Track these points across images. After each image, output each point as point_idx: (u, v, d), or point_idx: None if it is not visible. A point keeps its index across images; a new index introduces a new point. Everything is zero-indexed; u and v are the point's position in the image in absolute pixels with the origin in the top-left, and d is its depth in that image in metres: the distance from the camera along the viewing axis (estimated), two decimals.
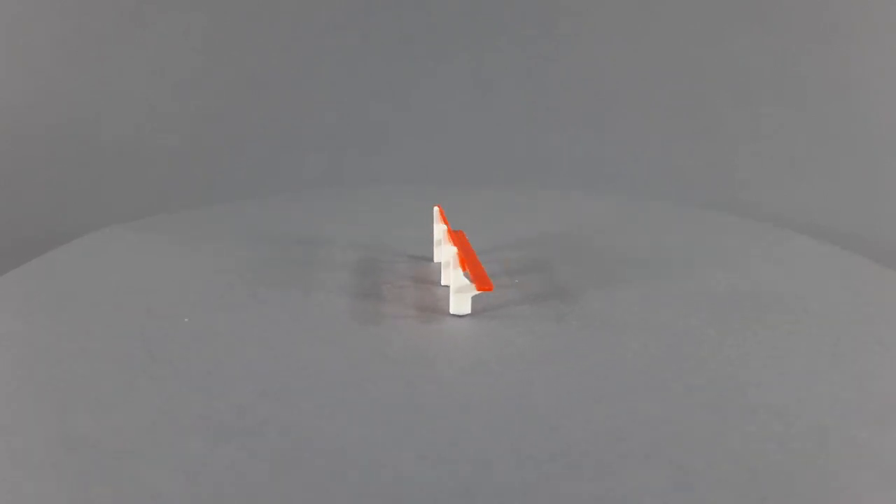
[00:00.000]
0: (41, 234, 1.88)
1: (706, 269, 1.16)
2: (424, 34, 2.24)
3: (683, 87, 2.18)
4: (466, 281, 0.94)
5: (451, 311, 0.95)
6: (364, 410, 0.73)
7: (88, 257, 1.19)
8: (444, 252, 1.04)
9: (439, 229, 1.12)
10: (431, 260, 1.16)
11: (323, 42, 2.24)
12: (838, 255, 1.26)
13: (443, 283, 1.06)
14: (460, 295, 0.94)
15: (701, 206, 1.79)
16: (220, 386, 0.77)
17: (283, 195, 1.78)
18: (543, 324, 0.93)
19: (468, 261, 0.97)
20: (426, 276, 1.10)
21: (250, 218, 1.47)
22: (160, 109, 2.22)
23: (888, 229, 1.93)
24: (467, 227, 1.19)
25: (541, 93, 2.22)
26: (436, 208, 1.15)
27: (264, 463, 0.64)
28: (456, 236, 1.07)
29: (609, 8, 2.22)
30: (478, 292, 0.93)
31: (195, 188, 2.07)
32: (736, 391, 0.78)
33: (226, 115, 2.22)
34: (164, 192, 2.07)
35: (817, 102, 2.12)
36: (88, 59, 2.25)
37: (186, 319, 0.94)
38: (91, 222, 1.75)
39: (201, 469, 0.63)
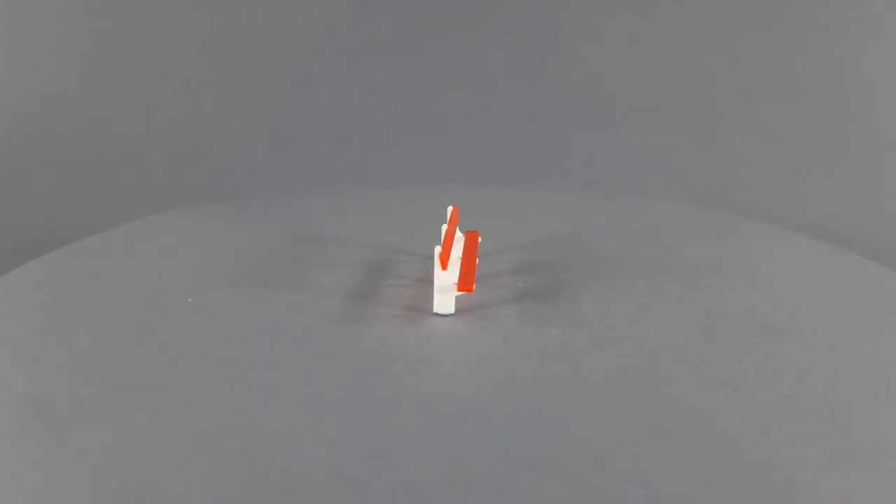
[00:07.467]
0: (41, 234, 1.87)
1: (706, 268, 1.16)
2: (424, 34, 2.24)
3: (683, 87, 2.18)
4: (448, 280, 0.94)
5: (434, 310, 0.96)
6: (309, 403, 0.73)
7: (87, 258, 1.19)
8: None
9: (444, 229, 1.12)
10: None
11: (323, 42, 2.24)
12: (838, 254, 1.26)
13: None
14: (442, 295, 0.95)
15: (701, 206, 1.79)
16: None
17: (285, 195, 1.78)
18: (524, 328, 0.93)
19: (466, 260, 0.97)
20: (430, 276, 1.10)
21: (250, 217, 1.47)
22: (161, 110, 2.22)
23: (888, 229, 1.93)
24: (471, 226, 1.19)
25: (541, 93, 2.22)
26: (450, 207, 1.15)
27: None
28: (469, 236, 1.08)
29: (610, 7, 2.22)
30: (459, 293, 0.93)
31: (195, 188, 2.07)
32: (722, 397, 0.78)
33: (226, 115, 2.22)
34: (164, 193, 2.07)
35: (817, 102, 2.12)
36: (89, 59, 2.25)
37: (189, 299, 0.98)
38: (91, 223, 1.74)
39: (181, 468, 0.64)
